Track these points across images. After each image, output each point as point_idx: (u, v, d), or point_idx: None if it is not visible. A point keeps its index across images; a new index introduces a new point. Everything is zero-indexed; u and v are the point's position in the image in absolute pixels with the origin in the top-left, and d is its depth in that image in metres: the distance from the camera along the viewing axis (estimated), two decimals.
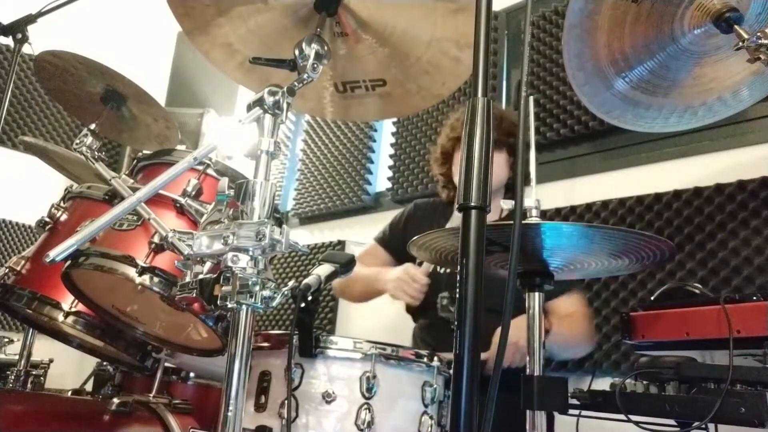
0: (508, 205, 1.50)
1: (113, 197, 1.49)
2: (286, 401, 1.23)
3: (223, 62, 1.42)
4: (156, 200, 1.37)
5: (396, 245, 2.15)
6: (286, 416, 1.23)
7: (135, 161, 1.67)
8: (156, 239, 1.31)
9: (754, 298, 1.15)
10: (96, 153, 1.51)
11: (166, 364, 1.74)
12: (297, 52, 1.15)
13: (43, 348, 2.33)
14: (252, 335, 0.97)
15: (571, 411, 1.22)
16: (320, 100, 1.49)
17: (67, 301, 1.52)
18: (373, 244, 2.23)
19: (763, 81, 1.39)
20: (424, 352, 1.36)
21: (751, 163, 1.94)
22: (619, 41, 1.37)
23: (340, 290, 2.24)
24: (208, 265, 1.02)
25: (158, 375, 1.70)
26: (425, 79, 1.41)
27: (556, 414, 1.22)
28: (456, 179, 2.07)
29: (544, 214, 1.26)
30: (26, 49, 2.09)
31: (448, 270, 1.93)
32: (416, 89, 1.44)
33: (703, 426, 1.09)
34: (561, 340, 1.79)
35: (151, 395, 1.65)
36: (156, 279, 1.31)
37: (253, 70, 1.40)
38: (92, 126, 1.56)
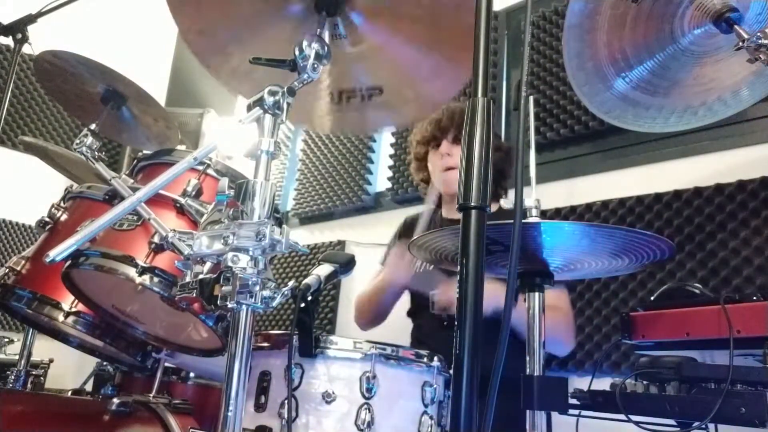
0: (508, 204, 1.50)
1: (113, 197, 1.49)
2: (286, 401, 1.23)
3: (218, 67, 1.41)
4: (156, 200, 1.37)
5: None
6: (286, 416, 1.23)
7: (135, 161, 1.67)
8: (156, 239, 1.31)
9: (754, 298, 1.15)
10: (96, 153, 1.51)
11: (166, 364, 1.74)
12: (297, 52, 1.15)
13: (43, 348, 2.33)
14: (252, 335, 0.97)
15: (571, 411, 1.22)
16: (315, 113, 1.47)
17: (67, 301, 1.52)
18: (380, 269, 2.24)
19: (763, 81, 1.38)
20: (424, 352, 1.36)
21: (751, 163, 1.93)
22: (619, 41, 1.37)
23: (361, 315, 2.21)
24: (208, 265, 1.02)
25: (158, 375, 1.70)
26: (423, 86, 1.39)
27: (556, 414, 1.22)
28: (436, 182, 2.10)
29: (544, 214, 1.26)
30: (26, 49, 2.09)
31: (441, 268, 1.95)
32: (414, 96, 1.41)
33: (703, 426, 1.09)
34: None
35: (151, 395, 1.65)
36: (156, 279, 1.31)
37: (247, 75, 1.38)
38: (92, 126, 1.56)
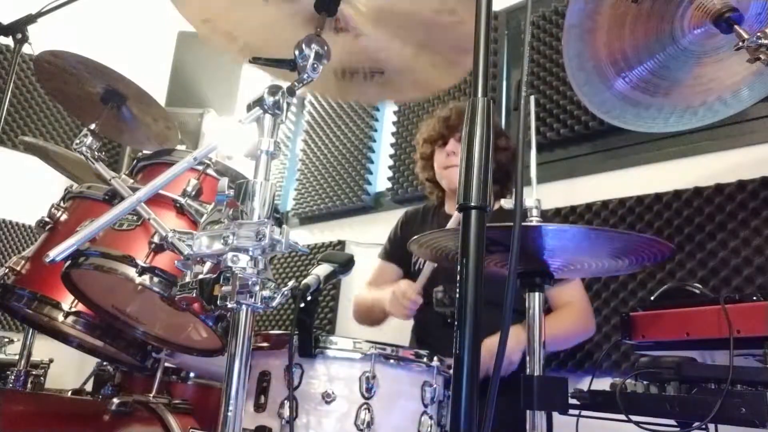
0: (508, 204, 1.50)
1: (113, 197, 1.49)
2: (286, 401, 1.23)
3: (227, 46, 1.42)
4: (156, 200, 1.37)
5: (399, 255, 2.18)
6: (286, 416, 1.23)
7: (135, 161, 1.67)
8: (156, 239, 1.31)
9: (754, 298, 1.15)
10: (96, 153, 1.51)
11: (166, 364, 1.74)
12: (297, 53, 1.15)
13: (43, 348, 2.33)
14: (252, 335, 0.97)
15: (571, 411, 1.22)
16: (320, 82, 1.52)
17: (67, 301, 1.52)
18: (379, 263, 2.25)
19: (763, 81, 1.38)
20: (423, 352, 1.36)
21: (751, 163, 1.93)
22: (619, 41, 1.37)
23: (359, 317, 2.22)
24: (208, 265, 1.02)
25: (158, 375, 1.70)
26: (422, 75, 1.43)
27: (556, 414, 1.22)
28: (438, 178, 2.11)
29: (544, 215, 1.26)
30: (26, 49, 2.09)
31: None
32: (413, 80, 1.46)
33: (704, 426, 1.09)
34: (554, 340, 1.83)
35: (151, 395, 1.65)
36: (156, 279, 1.31)
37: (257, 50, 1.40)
38: (92, 126, 1.55)
